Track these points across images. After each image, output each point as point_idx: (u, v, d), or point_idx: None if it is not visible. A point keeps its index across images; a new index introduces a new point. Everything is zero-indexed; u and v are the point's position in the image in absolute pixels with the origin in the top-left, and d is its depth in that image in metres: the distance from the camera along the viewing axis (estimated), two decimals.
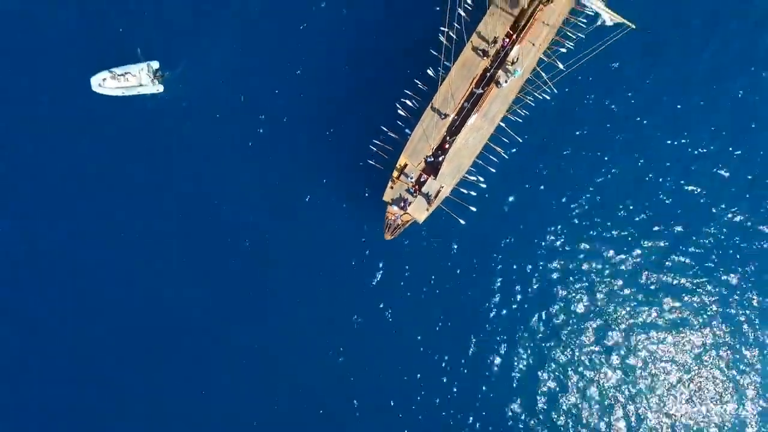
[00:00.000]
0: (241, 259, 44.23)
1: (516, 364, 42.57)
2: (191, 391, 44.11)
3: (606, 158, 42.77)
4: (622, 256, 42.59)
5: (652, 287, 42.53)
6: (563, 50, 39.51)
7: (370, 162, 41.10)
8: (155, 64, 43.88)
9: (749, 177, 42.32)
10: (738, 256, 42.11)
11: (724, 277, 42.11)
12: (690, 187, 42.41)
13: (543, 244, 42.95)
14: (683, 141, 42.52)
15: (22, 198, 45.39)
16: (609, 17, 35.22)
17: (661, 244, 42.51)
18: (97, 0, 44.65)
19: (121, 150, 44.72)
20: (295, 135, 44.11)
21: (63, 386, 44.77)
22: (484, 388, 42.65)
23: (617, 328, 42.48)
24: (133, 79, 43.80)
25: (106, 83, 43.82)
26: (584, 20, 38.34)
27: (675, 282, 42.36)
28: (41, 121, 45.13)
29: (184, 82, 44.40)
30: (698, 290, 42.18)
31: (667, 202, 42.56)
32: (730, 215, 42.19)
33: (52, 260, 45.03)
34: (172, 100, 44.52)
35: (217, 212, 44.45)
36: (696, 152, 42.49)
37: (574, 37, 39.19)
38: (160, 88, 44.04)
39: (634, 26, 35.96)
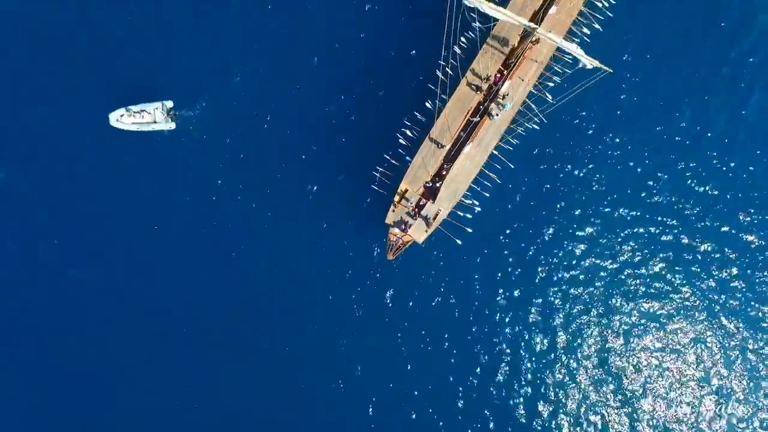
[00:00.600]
0: (252, 279, 47.37)
1: (520, 384, 45.95)
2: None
3: (593, 178, 46.36)
4: (606, 271, 46.09)
5: (650, 310, 46.04)
6: (552, 84, 43.14)
7: (374, 187, 44.49)
8: (169, 104, 47.24)
9: (728, 196, 46.15)
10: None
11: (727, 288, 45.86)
12: (686, 211, 46.12)
13: (532, 258, 46.37)
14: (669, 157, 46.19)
15: (38, 222, 48.54)
16: (588, 62, 38.74)
17: (657, 268, 45.99)
18: (119, 43, 48.03)
19: (132, 179, 48.22)
20: (304, 163, 47.41)
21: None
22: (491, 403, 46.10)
23: (619, 349, 45.89)
24: (148, 117, 47.10)
25: (123, 119, 47.09)
26: (570, 58, 41.82)
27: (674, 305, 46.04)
28: (61, 149, 48.39)
29: (194, 121, 47.81)
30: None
31: (662, 224, 46.11)
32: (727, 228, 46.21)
33: (65, 288, 48.26)
34: (182, 136, 47.91)
35: (224, 235, 47.64)
36: (686, 171, 46.29)
37: (562, 72, 42.72)
38: (173, 126, 47.36)
39: (611, 71, 39.61)
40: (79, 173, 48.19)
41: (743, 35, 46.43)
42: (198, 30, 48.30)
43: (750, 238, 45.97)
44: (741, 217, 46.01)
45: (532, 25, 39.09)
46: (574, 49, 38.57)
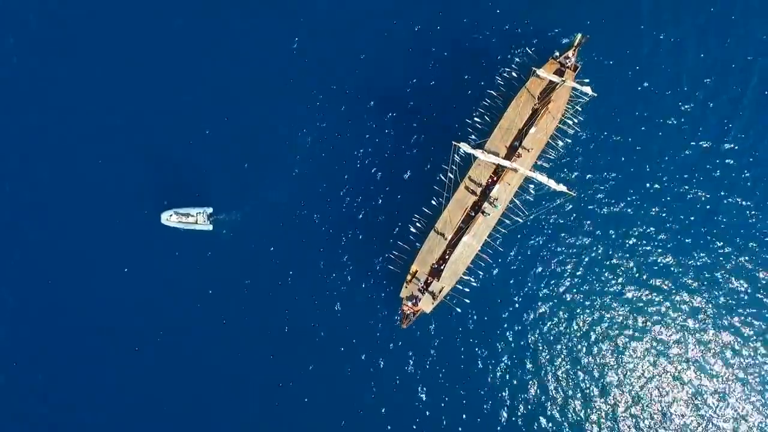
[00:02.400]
0: (281, 345, 57.03)
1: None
2: None
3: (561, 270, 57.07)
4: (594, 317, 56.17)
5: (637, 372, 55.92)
6: (531, 193, 54.52)
7: (390, 267, 55.17)
8: (209, 210, 56.98)
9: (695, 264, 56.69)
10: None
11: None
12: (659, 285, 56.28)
13: (517, 318, 56.40)
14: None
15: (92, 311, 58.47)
16: (553, 186, 49.99)
17: (632, 331, 56.13)
18: (177, 158, 59.17)
19: (175, 266, 58.45)
20: (329, 249, 57.84)
21: None
22: None
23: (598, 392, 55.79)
24: (191, 219, 56.74)
25: (171, 218, 56.87)
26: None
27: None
28: (118, 242, 58.74)
29: (227, 225, 58.05)
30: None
31: (638, 299, 56.00)
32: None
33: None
34: (216, 236, 57.93)
35: (250, 325, 57.35)
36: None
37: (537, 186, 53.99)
38: (210, 227, 56.92)
39: (574, 194, 50.90)
40: (133, 259, 58.60)
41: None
42: (243, 153, 58.85)
43: None
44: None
45: (509, 165, 50.81)
46: (539, 177, 50.13)
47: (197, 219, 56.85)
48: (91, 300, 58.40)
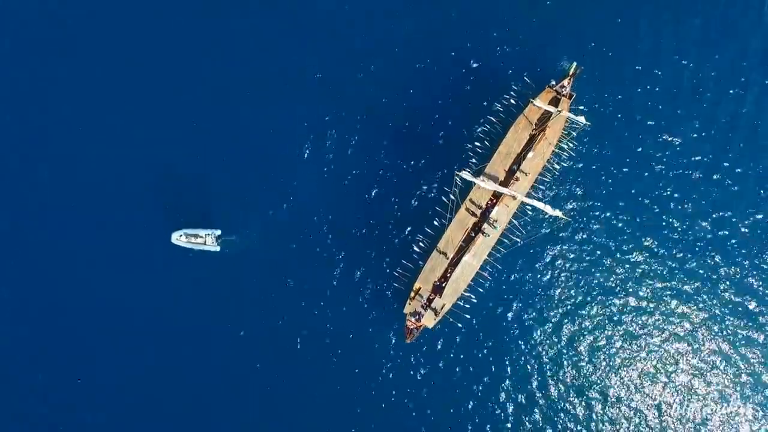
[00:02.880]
0: (285, 360, 59.66)
1: None
2: None
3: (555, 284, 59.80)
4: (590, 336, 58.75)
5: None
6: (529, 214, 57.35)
7: (395, 284, 57.81)
8: (218, 232, 59.64)
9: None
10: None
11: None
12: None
13: (514, 332, 59.12)
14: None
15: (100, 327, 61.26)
16: (549, 212, 53.04)
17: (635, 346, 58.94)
18: (188, 181, 62.07)
19: (182, 284, 61.37)
20: (337, 268, 60.47)
21: None
22: None
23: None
24: (200, 240, 59.48)
25: (181, 239, 59.59)
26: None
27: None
28: (130, 260, 61.63)
29: (233, 247, 60.65)
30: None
31: (638, 315, 58.81)
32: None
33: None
34: (223, 257, 60.55)
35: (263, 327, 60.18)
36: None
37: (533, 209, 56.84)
38: (217, 248, 59.58)
39: (569, 219, 53.72)
40: (142, 275, 61.48)
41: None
42: (251, 177, 61.75)
43: None
44: None
45: (507, 191, 53.79)
46: (535, 203, 53.42)
47: (206, 240, 59.54)
48: (93, 301, 61.16)
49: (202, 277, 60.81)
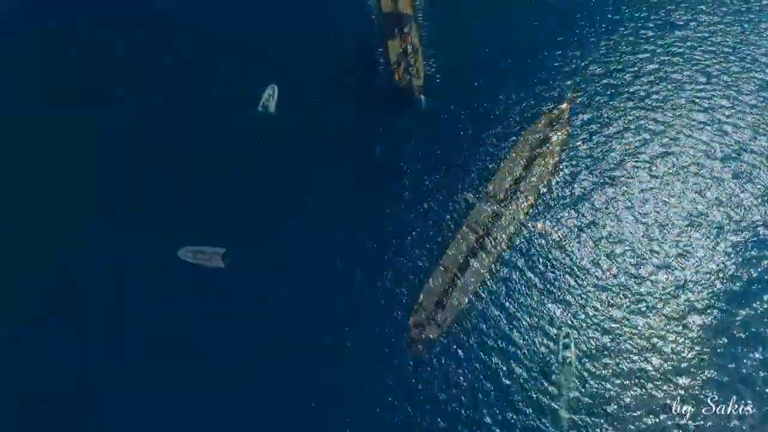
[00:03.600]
0: (288, 376, 58.16)
1: None
2: None
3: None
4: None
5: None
6: (528, 231, 59.85)
7: (402, 300, 59.11)
8: (222, 250, 60.82)
9: None
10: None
11: None
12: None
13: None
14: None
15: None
16: (547, 231, 55.90)
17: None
18: (194, 203, 63.92)
19: (185, 296, 60.98)
20: (343, 281, 61.02)
21: None
22: None
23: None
24: (206, 257, 60.90)
25: (187, 254, 60.98)
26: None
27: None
28: (137, 271, 61.94)
29: (238, 266, 61.35)
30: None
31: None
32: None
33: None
34: (227, 275, 61.05)
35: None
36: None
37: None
38: (222, 266, 60.56)
39: (563, 239, 56.65)
40: (149, 285, 61.68)
41: None
42: (260, 199, 63.64)
43: None
44: None
45: (505, 213, 56.66)
46: (531, 224, 56.07)
47: (211, 257, 61.03)
48: (96, 302, 61.26)
49: (205, 292, 61.19)
